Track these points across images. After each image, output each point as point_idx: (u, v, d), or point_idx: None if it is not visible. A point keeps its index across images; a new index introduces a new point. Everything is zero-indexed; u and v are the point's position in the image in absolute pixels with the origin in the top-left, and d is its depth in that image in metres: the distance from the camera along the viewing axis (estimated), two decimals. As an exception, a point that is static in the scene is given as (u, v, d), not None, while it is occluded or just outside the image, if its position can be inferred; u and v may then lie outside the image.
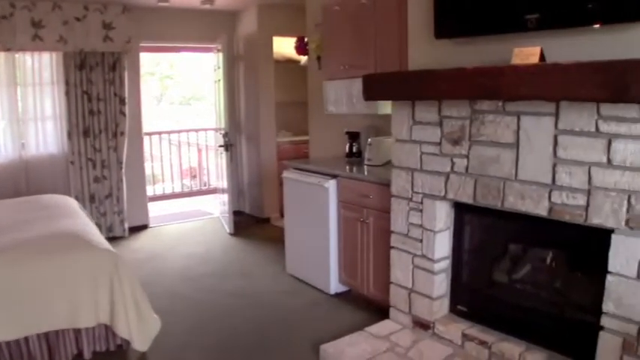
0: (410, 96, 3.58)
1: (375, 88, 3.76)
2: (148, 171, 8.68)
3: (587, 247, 3.09)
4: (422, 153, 3.66)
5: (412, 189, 3.77)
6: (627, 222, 2.68)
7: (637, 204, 2.64)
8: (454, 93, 3.21)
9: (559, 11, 2.93)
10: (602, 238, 2.80)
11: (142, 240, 7.28)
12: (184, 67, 10.69)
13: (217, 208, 8.51)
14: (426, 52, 3.73)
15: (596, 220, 2.80)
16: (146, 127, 8.34)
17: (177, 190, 10.01)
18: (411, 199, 3.79)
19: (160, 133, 9.88)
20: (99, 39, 6.87)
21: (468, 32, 3.41)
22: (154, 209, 8.54)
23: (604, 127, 2.71)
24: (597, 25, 2.80)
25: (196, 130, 10.19)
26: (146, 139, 8.58)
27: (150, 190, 8.76)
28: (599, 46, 2.83)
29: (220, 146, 7.51)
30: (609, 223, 2.75)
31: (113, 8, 6.91)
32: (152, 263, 6.14)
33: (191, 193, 9.88)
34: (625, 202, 2.68)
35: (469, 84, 3.08)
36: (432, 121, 3.56)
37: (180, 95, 11.05)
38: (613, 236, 2.75)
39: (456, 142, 3.43)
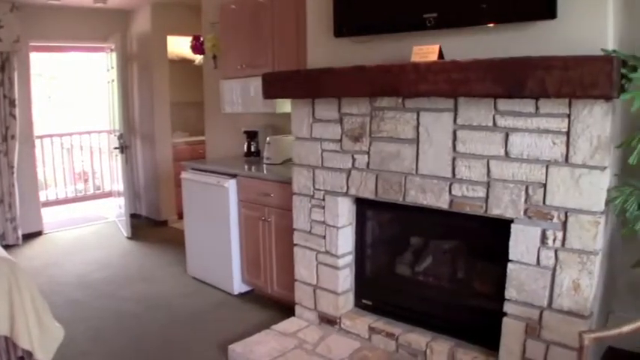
0: (310, 94, 3.48)
1: (275, 86, 3.64)
2: (39, 175, 8.20)
3: (488, 237, 3.11)
4: (323, 150, 3.58)
5: (314, 186, 3.68)
6: (525, 212, 2.72)
7: (534, 194, 2.68)
8: (355, 90, 3.14)
9: (456, 11, 2.94)
10: (502, 227, 2.82)
11: (37, 247, 6.80)
12: (75, 68, 10.12)
13: (113, 211, 8.10)
14: (325, 50, 3.65)
15: (496, 211, 2.82)
16: (38, 130, 7.85)
17: (70, 195, 9.48)
18: (312, 196, 3.70)
19: (51, 136, 9.27)
20: (-15, 38, 6.37)
21: (368, 31, 3.34)
22: (48, 215, 8.04)
23: (501, 121, 2.73)
24: (491, 25, 2.83)
25: (89, 133, 9.68)
26: (37, 142, 8.06)
27: (42, 196, 8.25)
28: (494, 44, 2.85)
29: (115, 148, 7.15)
30: (508, 214, 2.78)
31: (1, 6, 6.39)
32: (49, 271, 5.74)
33: (85, 198, 9.36)
34: (523, 193, 2.72)
35: (369, 81, 3.02)
36: (332, 118, 3.49)
37: (71, 96, 10.47)
38: (512, 226, 2.78)
39: (356, 138, 3.37)
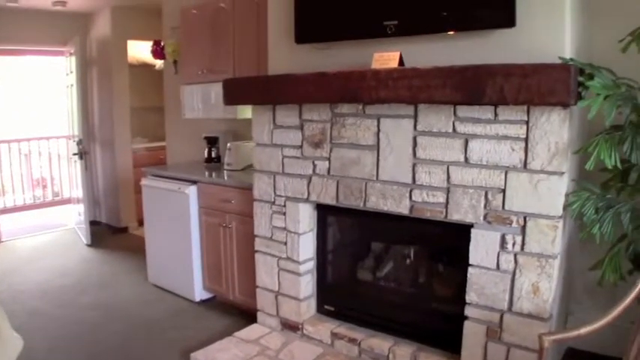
0: (271, 100, 3.41)
1: (236, 92, 3.56)
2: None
3: (449, 241, 3.09)
4: (283, 156, 3.51)
5: (275, 192, 3.61)
6: (485, 217, 2.72)
7: (493, 199, 2.67)
8: (315, 97, 3.09)
9: (416, 18, 2.91)
10: (462, 232, 2.80)
11: (-8, 256, 6.59)
12: (34, 71, 9.85)
13: (72, 218, 7.87)
14: (287, 56, 3.58)
15: (456, 217, 2.80)
16: None
17: (28, 201, 9.21)
18: (273, 203, 3.63)
19: (9, 141, 9.00)
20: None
21: (329, 37, 3.29)
22: (6, 222, 7.78)
23: (461, 128, 2.72)
24: (452, 32, 2.82)
25: (48, 138, 9.42)
26: None
27: (0, 203, 8.02)
28: (455, 51, 2.84)
29: (74, 154, 6.95)
30: (468, 219, 2.76)
31: None
32: (7, 279, 5.53)
33: (43, 205, 9.08)
34: (482, 199, 2.70)
35: (330, 88, 2.97)
36: (293, 124, 3.43)
37: (29, 101, 10.18)
38: (472, 230, 2.77)
39: (317, 145, 3.32)
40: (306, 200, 3.45)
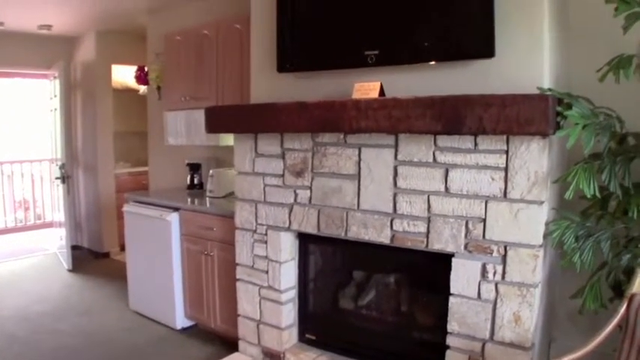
0: (252, 129, 3.37)
1: (218, 120, 3.52)
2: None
3: (430, 270, 3.05)
4: (265, 185, 3.47)
5: (256, 221, 3.56)
6: (466, 246, 2.68)
7: (474, 229, 2.64)
8: (297, 126, 3.05)
9: (397, 49, 2.91)
10: (443, 261, 2.77)
11: (-30, 281, 6.44)
12: (17, 93, 9.74)
13: (54, 242, 7.75)
14: (269, 85, 3.56)
15: (437, 246, 2.76)
16: None
17: (10, 224, 9.06)
18: (255, 231, 3.58)
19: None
20: None
21: (310, 67, 3.28)
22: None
23: (441, 157, 2.70)
24: (433, 62, 2.80)
25: (30, 161, 9.29)
26: None
27: None
28: (435, 80, 2.84)
29: (57, 178, 6.87)
30: (449, 248, 2.73)
31: None
32: (-17, 306, 5.44)
33: (25, 228, 8.94)
34: (463, 228, 2.68)
35: (311, 117, 2.94)
36: (275, 153, 3.39)
37: (13, 123, 10.07)
38: (453, 260, 2.73)
39: (298, 173, 3.28)
40: (288, 229, 3.40)
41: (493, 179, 2.57)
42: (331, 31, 3.19)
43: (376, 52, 2.94)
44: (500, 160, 2.54)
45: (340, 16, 3.15)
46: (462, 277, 2.70)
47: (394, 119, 2.62)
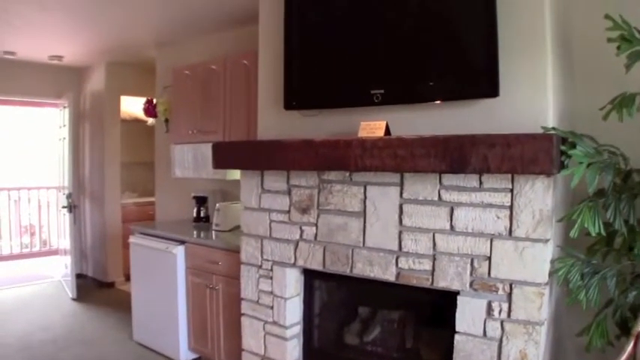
0: (258, 165, 3.38)
1: (225, 156, 3.52)
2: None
3: (435, 307, 3.03)
4: (271, 221, 3.46)
5: (262, 256, 3.54)
6: (471, 284, 2.66)
7: (479, 267, 2.63)
8: (302, 164, 3.05)
9: (403, 88, 2.94)
10: (449, 298, 2.75)
11: (-27, 307, 6.42)
12: (28, 121, 9.83)
13: (59, 270, 7.73)
14: (276, 121, 3.59)
15: (442, 284, 2.75)
16: None
17: (16, 249, 9.08)
18: (260, 267, 3.56)
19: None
20: None
21: (317, 104, 3.31)
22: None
23: (446, 196, 2.69)
24: (438, 102, 2.82)
25: (37, 188, 9.34)
26: None
27: None
28: (441, 119, 2.87)
29: (63, 207, 6.88)
30: (455, 286, 2.71)
31: None
32: (-13, 333, 5.41)
33: (31, 255, 8.97)
34: (468, 266, 2.66)
35: (317, 155, 2.94)
36: (281, 189, 3.39)
37: (22, 150, 10.16)
38: (459, 298, 2.70)
39: (304, 210, 3.28)
40: (293, 265, 3.39)
41: (498, 217, 2.57)
42: (337, 70, 3.22)
43: (382, 91, 2.97)
44: (506, 199, 2.54)
45: (346, 54, 3.18)
46: (468, 314, 2.68)
47: (399, 158, 2.62)
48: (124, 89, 7.32)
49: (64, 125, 6.92)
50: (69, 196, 6.68)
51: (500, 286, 2.59)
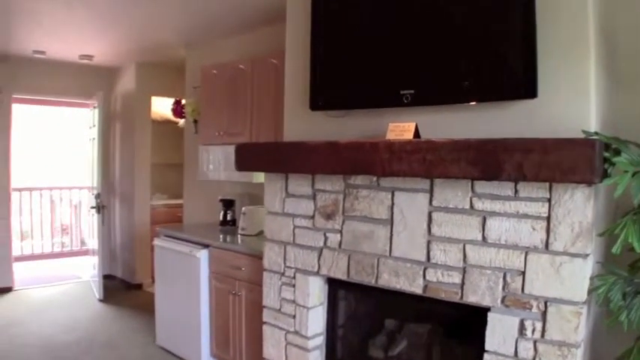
0: (281, 168, 3.26)
1: (248, 158, 3.42)
2: (18, 227, 8.27)
3: (465, 323, 2.85)
4: (295, 226, 3.34)
5: (285, 263, 3.42)
6: (503, 300, 2.49)
7: (512, 282, 2.46)
8: (326, 167, 2.92)
9: (434, 88, 2.78)
10: (479, 315, 2.58)
11: (3, 304, 6.42)
12: (62, 121, 9.94)
13: (88, 271, 7.75)
14: (301, 123, 3.47)
15: (472, 299, 2.58)
16: (19, 182, 7.69)
17: (48, 248, 9.16)
18: (283, 274, 3.44)
19: (35, 189, 9.03)
20: (-34, 88, 6.19)
21: (344, 105, 3.18)
22: (23, 270, 7.77)
23: (479, 204, 2.53)
24: (473, 103, 2.66)
25: (70, 188, 9.42)
26: (15, 194, 7.92)
27: (18, 249, 8.13)
28: (474, 121, 2.71)
29: (92, 208, 6.88)
30: (485, 302, 2.54)
31: None
32: (11, 331, 5.39)
33: (63, 254, 9.04)
34: (500, 281, 2.49)
35: (342, 158, 2.81)
36: (306, 194, 3.26)
37: (58, 149, 10.29)
38: (489, 314, 2.53)
39: (329, 216, 3.14)
40: (317, 273, 3.25)
41: (534, 229, 2.39)
42: (365, 69, 3.08)
43: (412, 91, 2.82)
44: (542, 209, 2.37)
45: (375, 52, 3.04)
46: (498, 333, 2.50)
47: (428, 163, 2.47)
48: (154, 90, 7.29)
49: (94, 125, 6.92)
50: (97, 197, 6.67)
51: (534, 303, 2.41)
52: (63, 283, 7.60)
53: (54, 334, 5.33)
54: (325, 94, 3.23)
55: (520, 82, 2.50)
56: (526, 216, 2.41)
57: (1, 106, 6.55)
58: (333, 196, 3.12)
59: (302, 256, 3.31)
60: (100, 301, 6.64)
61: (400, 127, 2.77)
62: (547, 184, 2.33)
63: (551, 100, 2.48)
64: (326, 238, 3.17)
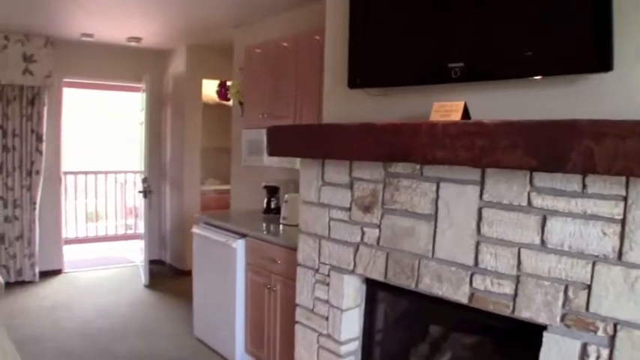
0: (314, 153, 2.92)
1: (279, 142, 3.09)
2: (91, 208, 8.83)
3: (518, 339, 2.43)
4: (330, 219, 3.00)
5: (319, 258, 3.09)
6: (563, 318, 2.07)
7: (575, 297, 2.03)
8: (361, 152, 2.55)
9: (489, 59, 2.37)
10: (533, 333, 2.17)
11: (51, 286, 6.41)
12: (124, 105, 10.00)
13: (139, 255, 7.66)
14: (341, 103, 3.15)
15: (525, 314, 2.17)
16: (72, 165, 7.80)
17: (118, 230, 9.30)
18: (317, 270, 3.11)
19: (86, 172, 9.02)
20: (18, 72, 6.19)
21: (384, 82, 2.82)
22: (73, 253, 7.78)
23: (538, 201, 2.11)
24: (537, 77, 2.24)
25: (125, 172, 9.39)
26: (80, 177, 8.24)
27: (83, 231, 8.58)
28: (536, 100, 2.30)
29: (139, 192, 6.75)
30: (541, 319, 2.13)
31: (36, 40, 6.25)
32: (55, 314, 5.33)
33: (130, 237, 9.03)
34: (561, 295, 2.07)
35: (378, 142, 2.44)
36: (343, 182, 2.91)
37: (120, 134, 10.38)
38: (545, 334, 2.12)
39: (367, 208, 2.78)
40: (352, 272, 2.91)
41: (605, 234, 1.96)
42: (407, 40, 2.70)
43: (461, 64, 2.41)
44: (616, 210, 1.93)
45: (419, 19, 2.66)
46: (555, 357, 2.08)
47: (476, 150, 2.07)
48: (205, 72, 7.10)
49: (143, 109, 6.77)
50: (144, 181, 6.54)
51: (600, 325, 1.98)
52: (116, 266, 7.58)
53: (92, 320, 5.23)
54: (363, 70, 2.87)
55: (590, 51, 2.07)
56: (595, 217, 1.98)
57: (51, 90, 6.46)
58: (371, 186, 2.76)
59: (337, 251, 2.97)
60: (146, 286, 6.52)
61: (446, 107, 2.37)
62: (623, 178, 1.89)
63: (629, 73, 2.04)
64: (363, 233, 2.82)
